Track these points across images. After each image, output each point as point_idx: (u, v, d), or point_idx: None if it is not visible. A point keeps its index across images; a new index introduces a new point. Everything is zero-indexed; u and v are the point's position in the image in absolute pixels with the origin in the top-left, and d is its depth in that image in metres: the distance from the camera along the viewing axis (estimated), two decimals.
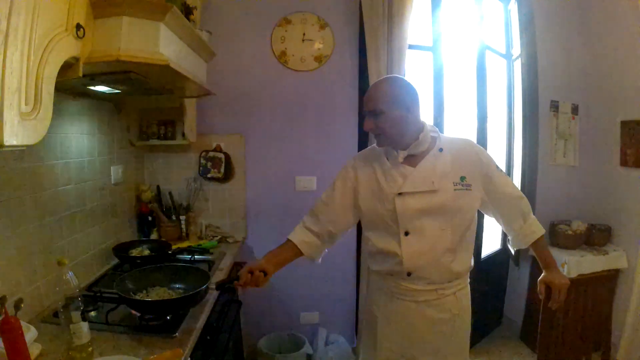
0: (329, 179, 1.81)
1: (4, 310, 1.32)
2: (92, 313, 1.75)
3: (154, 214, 2.83)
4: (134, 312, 1.68)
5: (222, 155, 2.90)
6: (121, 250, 2.38)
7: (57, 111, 1.86)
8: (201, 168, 2.92)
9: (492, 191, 1.66)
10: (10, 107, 1.02)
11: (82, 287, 1.97)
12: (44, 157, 1.80)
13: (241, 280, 1.58)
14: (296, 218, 1.81)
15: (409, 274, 1.62)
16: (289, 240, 1.73)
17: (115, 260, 2.40)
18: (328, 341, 3.02)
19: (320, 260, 1.79)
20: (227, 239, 2.93)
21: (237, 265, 2.92)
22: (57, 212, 1.90)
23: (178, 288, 1.87)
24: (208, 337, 1.81)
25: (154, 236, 2.82)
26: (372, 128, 1.60)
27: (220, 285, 1.67)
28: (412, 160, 1.64)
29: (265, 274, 1.59)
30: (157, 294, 1.81)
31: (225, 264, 2.49)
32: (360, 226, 1.80)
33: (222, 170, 2.90)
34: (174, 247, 2.53)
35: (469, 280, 1.76)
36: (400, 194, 1.59)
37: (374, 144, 1.72)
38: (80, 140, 2.11)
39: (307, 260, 1.77)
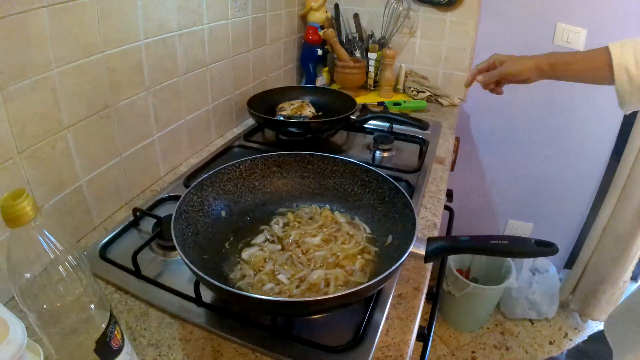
0: (606, 37, 1.07)
1: None
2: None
3: (326, 46, 1.89)
4: None
5: None
6: (263, 104, 1.43)
7: None
8: None
9: None
10: None
11: (184, 172, 1.15)
12: None
13: (483, 78, 1.15)
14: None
15: None
16: (605, 52, 1.00)
17: (250, 121, 1.49)
18: (534, 267, 2.24)
19: (628, 111, 1.06)
20: (439, 99, 1.85)
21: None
22: (130, 37, 0.97)
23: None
24: None
25: (322, 81, 1.93)
26: None
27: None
28: None
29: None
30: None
31: (446, 145, 1.46)
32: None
33: None
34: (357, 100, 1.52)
35: None
36: None
37: None
38: None
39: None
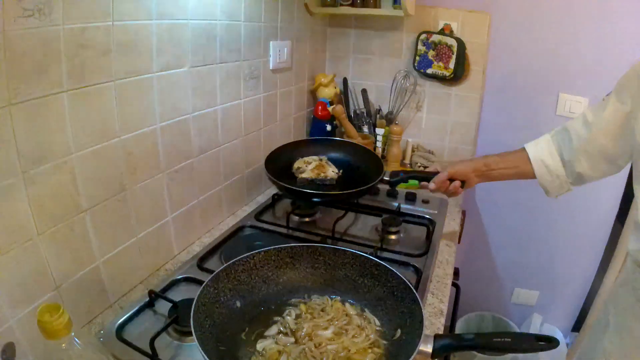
0: None
1: None
2: None
3: (335, 121, 1.94)
4: None
5: (453, 42, 1.83)
6: (278, 164, 1.45)
7: None
8: (418, 58, 1.91)
9: None
10: None
11: (197, 252, 1.17)
12: (117, 11, 0.87)
13: (434, 185, 1.23)
14: None
15: None
16: (523, 150, 1.20)
17: (260, 198, 1.52)
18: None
19: (556, 196, 1.20)
20: None
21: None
22: (146, 121, 1.02)
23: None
24: None
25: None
26: None
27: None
28: None
29: (463, 184, 1.23)
30: None
31: (452, 225, 1.50)
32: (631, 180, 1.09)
33: (452, 65, 1.85)
34: None
35: None
36: None
37: None
38: None
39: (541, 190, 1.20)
